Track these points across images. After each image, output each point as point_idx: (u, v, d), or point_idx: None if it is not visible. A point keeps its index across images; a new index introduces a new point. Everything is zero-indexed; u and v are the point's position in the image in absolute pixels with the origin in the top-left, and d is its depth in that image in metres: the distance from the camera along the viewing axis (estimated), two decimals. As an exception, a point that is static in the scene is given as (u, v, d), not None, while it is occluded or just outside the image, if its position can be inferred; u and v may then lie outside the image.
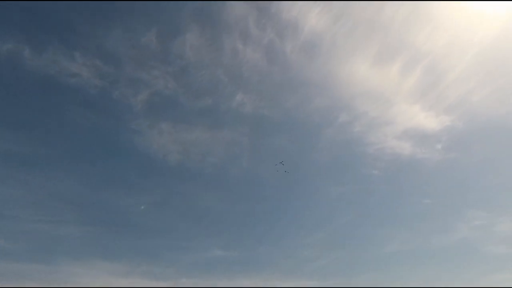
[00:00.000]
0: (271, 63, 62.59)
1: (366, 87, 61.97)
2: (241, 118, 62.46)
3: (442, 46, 60.70)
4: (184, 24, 58.09)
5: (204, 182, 60.93)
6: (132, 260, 50.24)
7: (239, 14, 58.20)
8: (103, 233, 52.93)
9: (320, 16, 60.06)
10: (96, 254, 50.04)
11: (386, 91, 62.08)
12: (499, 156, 59.18)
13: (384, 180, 60.99)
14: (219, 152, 61.68)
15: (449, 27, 59.11)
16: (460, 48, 60.12)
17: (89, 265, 47.80)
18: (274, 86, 63.12)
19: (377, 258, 54.82)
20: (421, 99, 60.93)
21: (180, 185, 59.58)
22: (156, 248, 52.15)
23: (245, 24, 59.05)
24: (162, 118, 60.89)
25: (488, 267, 50.00)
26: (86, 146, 56.96)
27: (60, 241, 49.64)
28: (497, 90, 59.54)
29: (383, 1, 58.54)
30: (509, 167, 58.65)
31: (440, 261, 52.52)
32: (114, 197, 56.62)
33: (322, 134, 63.22)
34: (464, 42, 59.27)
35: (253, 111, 62.51)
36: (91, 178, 56.03)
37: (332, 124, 63.19)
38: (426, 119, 60.75)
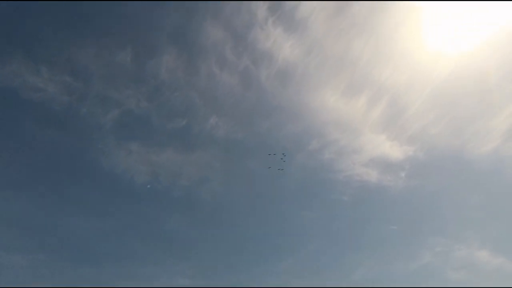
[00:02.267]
0: (246, 88, 64.02)
1: (336, 116, 64.90)
2: (214, 141, 62.24)
3: (403, 82, 65.85)
4: (161, 45, 58.48)
5: (172, 205, 58.73)
6: (88, 290, 45.99)
7: (217, 40, 59.83)
8: (55, 261, 48.43)
9: (293, 48, 63.39)
10: (45, 285, 45.28)
11: (354, 121, 65.35)
12: (454, 185, 63.40)
13: (353, 206, 62.42)
14: (190, 175, 60.31)
15: (409, 65, 64.62)
16: (418, 84, 65.51)
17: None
18: (247, 110, 64.16)
19: (344, 285, 54.61)
20: (386, 130, 64.67)
21: (147, 208, 56.86)
22: (116, 276, 48.27)
23: (222, 50, 60.63)
24: (131, 138, 59.07)
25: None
26: (45, 164, 53.30)
27: (2, 271, 44.66)
28: (451, 124, 64.96)
29: (351, 39, 63.54)
30: (463, 196, 62.90)
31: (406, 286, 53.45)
32: (72, 221, 52.61)
33: (293, 159, 64.21)
34: (422, 79, 64.78)
35: (226, 134, 62.67)
36: (46, 199, 51.95)
37: (303, 151, 64.66)
38: (391, 149, 64.21)
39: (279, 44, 62.16)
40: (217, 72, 61.10)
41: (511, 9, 57.85)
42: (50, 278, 45.80)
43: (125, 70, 56.92)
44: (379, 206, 63.22)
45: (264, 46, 61.78)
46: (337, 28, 63.25)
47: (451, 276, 53.89)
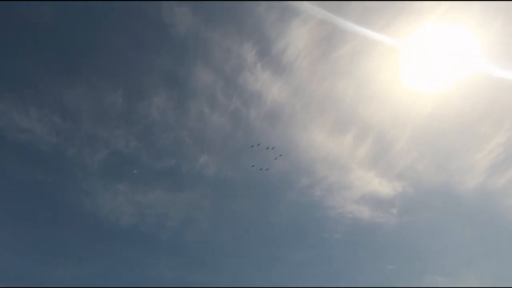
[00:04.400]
0: (235, 127, 64.96)
1: (324, 153, 65.86)
2: (203, 180, 61.40)
3: (387, 120, 68.45)
4: (153, 87, 59.87)
5: (158, 248, 55.89)
6: None
7: (207, 82, 61.84)
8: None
9: (281, 90, 66.00)
10: None
11: (342, 158, 66.31)
12: (445, 221, 63.33)
13: (346, 244, 60.97)
14: (177, 216, 58.38)
15: (391, 104, 67.64)
16: (401, 122, 68.14)
17: None
18: (237, 149, 64.44)
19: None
20: (374, 166, 65.63)
21: (131, 251, 53.85)
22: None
23: (212, 92, 62.42)
24: (119, 179, 57.74)
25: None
26: (26, 207, 50.91)
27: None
28: (435, 160, 66.67)
29: (335, 81, 66.92)
30: (455, 231, 62.53)
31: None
32: (49, 268, 49.07)
33: (283, 197, 63.54)
34: (404, 116, 67.55)
35: (215, 173, 62.14)
36: (26, 244, 48.86)
37: (293, 188, 64.28)
38: (381, 185, 64.62)
39: (268, 86, 64.81)
40: (207, 112, 62.43)
41: (483, 50, 62.79)
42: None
43: (116, 111, 57.52)
44: (374, 244, 62.05)
45: (253, 88, 64.22)
46: (321, 71, 66.93)
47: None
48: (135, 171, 58.65)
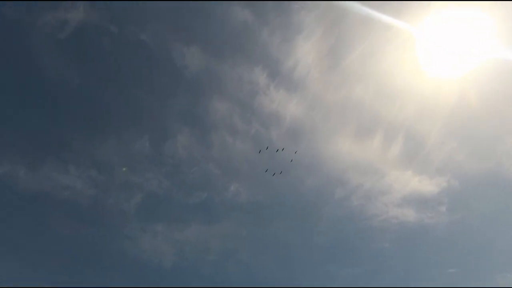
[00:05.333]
0: (264, 154, 65.19)
1: (354, 161, 63.72)
2: (237, 208, 61.34)
3: (414, 114, 65.57)
4: (175, 127, 62.55)
5: (201, 283, 55.36)
6: None
7: (225, 113, 63.60)
8: None
9: (297, 105, 66.15)
10: None
11: (374, 162, 63.68)
12: (501, 211, 57.37)
13: (398, 252, 56.82)
14: (217, 248, 58.07)
15: (415, 97, 65.01)
16: (430, 114, 64.94)
17: None
18: (262, 172, 64.14)
19: None
20: (410, 165, 62.19)
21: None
22: None
23: (231, 120, 63.91)
24: (156, 220, 59.26)
25: None
26: (73, 260, 53.18)
27: None
28: (478, 147, 61.97)
29: (351, 86, 66.06)
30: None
31: None
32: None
33: (320, 213, 61.41)
34: (431, 108, 64.41)
35: (248, 199, 61.92)
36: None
37: (329, 202, 62.10)
38: (422, 183, 60.72)
39: (284, 104, 65.31)
40: (230, 141, 63.61)
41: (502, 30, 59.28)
42: None
43: (145, 155, 60.31)
44: (427, 248, 57.34)
45: (270, 109, 64.97)
46: (335, 79, 66.58)
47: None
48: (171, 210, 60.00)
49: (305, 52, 64.79)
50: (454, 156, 61.14)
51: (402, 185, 60.65)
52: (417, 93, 64.68)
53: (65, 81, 54.92)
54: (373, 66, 65.02)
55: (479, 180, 59.18)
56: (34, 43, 53.08)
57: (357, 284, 54.08)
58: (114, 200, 57.82)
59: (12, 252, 48.77)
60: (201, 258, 57.25)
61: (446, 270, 54.14)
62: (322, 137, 65.09)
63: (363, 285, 53.94)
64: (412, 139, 63.62)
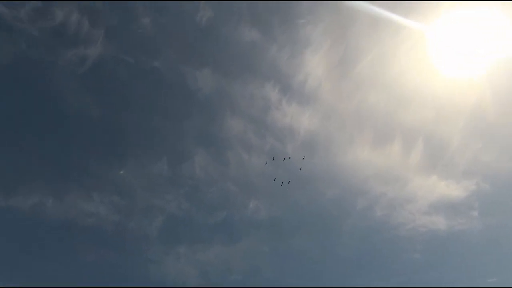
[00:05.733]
0: (276, 166, 64.92)
1: (374, 170, 62.06)
2: (257, 225, 60.67)
3: (432, 117, 63.68)
4: (191, 148, 63.66)
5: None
6: None
7: (239, 131, 64.24)
8: None
9: (311, 118, 65.88)
10: None
11: (395, 169, 61.75)
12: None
13: (430, 262, 53.70)
14: (240, 267, 57.22)
15: (432, 100, 63.32)
16: (449, 115, 62.78)
17: None
18: (284, 187, 63.56)
19: None
20: (434, 170, 59.82)
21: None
22: None
23: (245, 138, 64.39)
24: (178, 241, 59.43)
25: None
26: (98, 286, 53.71)
27: None
28: (506, 146, 58.90)
29: (364, 93, 65.36)
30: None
31: None
32: None
33: (343, 225, 59.58)
34: (451, 110, 62.32)
35: (268, 215, 61.19)
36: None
37: (351, 213, 60.26)
38: (449, 188, 58.03)
39: (297, 118, 65.23)
40: (245, 158, 63.80)
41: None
42: None
43: (164, 178, 61.42)
44: (462, 257, 53.97)
45: (284, 124, 65.02)
46: (347, 88, 66.19)
47: None
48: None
49: (315, 65, 65.22)
50: (480, 157, 58.47)
51: (427, 191, 58.26)
52: (434, 95, 63.11)
53: (86, 112, 57.79)
54: (386, 70, 64.35)
55: (507, 181, 55.97)
56: (57, 79, 56.50)
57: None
58: (136, 224, 58.79)
59: (39, 280, 50.09)
60: (224, 278, 56.55)
61: (485, 280, 50.56)
62: (338, 147, 64.25)
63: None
64: (433, 143, 61.63)
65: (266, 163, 48.64)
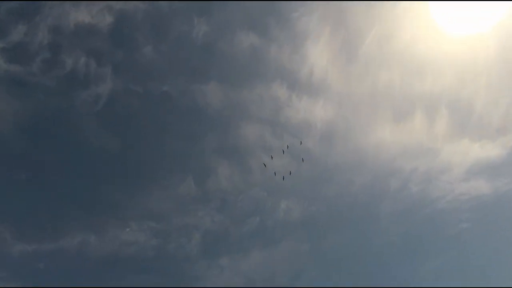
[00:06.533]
0: (299, 162, 64.20)
1: (400, 147, 59.89)
2: (292, 225, 59.92)
3: (451, 81, 60.89)
4: (213, 163, 64.33)
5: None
6: None
7: (255, 135, 64.31)
8: None
9: (324, 108, 64.86)
10: None
11: (423, 142, 59.32)
12: None
13: (480, 231, 50.51)
14: (284, 269, 56.56)
15: (448, 63, 60.65)
16: (469, 77, 59.83)
17: None
18: (311, 182, 62.76)
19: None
20: (464, 133, 56.91)
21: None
22: None
23: (263, 141, 64.31)
24: (218, 255, 59.66)
25: None
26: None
27: None
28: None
29: (375, 72, 63.73)
30: None
31: None
32: None
33: (379, 210, 57.52)
34: (470, 71, 59.38)
35: (301, 214, 60.34)
36: None
37: (385, 196, 58.12)
38: (484, 148, 54.89)
39: (310, 111, 64.48)
40: (268, 161, 63.53)
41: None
42: None
43: (192, 196, 62.31)
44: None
45: (298, 119, 64.42)
46: (355, 71, 64.90)
47: None
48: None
49: (318, 55, 64.63)
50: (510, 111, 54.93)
51: (461, 157, 55.33)
52: (448, 59, 60.60)
53: (108, 146, 60.02)
54: (392, 45, 62.68)
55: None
56: (77, 121, 59.35)
57: (439, 275, 48.64)
58: (175, 245, 59.84)
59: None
60: (270, 283, 56.02)
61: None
62: (359, 132, 62.70)
63: (447, 274, 48.35)
64: (457, 107, 58.86)
65: (265, 165, 47.91)
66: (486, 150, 54.28)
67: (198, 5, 59.86)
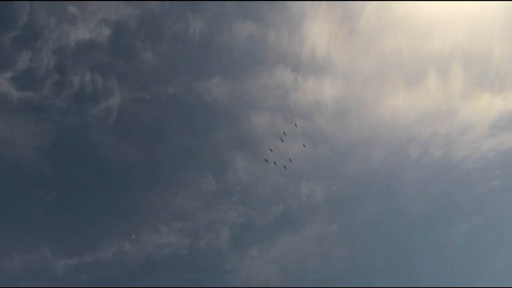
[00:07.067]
0: (314, 143, 63.72)
1: (416, 112, 58.07)
2: (316, 207, 59.91)
3: (462, 36, 57.95)
4: (229, 156, 64.81)
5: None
6: None
7: (266, 123, 63.97)
8: None
9: (332, 85, 63.66)
10: None
11: (440, 104, 57.17)
12: None
13: None
14: (314, 251, 56.83)
15: (454, 21, 57.72)
16: (480, 28, 56.70)
17: None
18: (328, 163, 62.21)
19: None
20: (483, 87, 54.46)
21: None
22: None
23: (275, 127, 63.94)
24: (248, 246, 60.66)
25: None
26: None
27: None
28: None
29: (380, 38, 61.56)
30: None
31: None
32: None
33: (402, 181, 56.29)
34: (480, 25, 56.24)
35: (323, 195, 60.13)
36: None
37: (407, 165, 56.78)
38: (506, 100, 52.21)
39: (318, 90, 63.49)
40: (282, 147, 63.34)
41: None
42: None
43: (214, 192, 63.16)
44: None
45: (307, 101, 63.68)
46: (359, 43, 63.01)
47: None
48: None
49: (318, 32, 63.14)
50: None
51: (483, 113, 52.97)
52: (455, 14, 57.59)
53: (126, 155, 61.64)
54: (393, 10, 60.25)
55: None
56: (93, 136, 60.82)
57: (470, 237, 47.33)
58: (205, 241, 61.17)
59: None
60: (303, 266, 56.59)
61: None
62: (371, 105, 61.19)
63: (479, 235, 46.98)
64: (472, 62, 56.22)
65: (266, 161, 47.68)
66: (510, 101, 51.70)
67: (190, 2, 59.63)
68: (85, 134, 60.53)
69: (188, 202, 63.39)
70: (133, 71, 61.06)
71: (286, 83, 63.05)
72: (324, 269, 55.08)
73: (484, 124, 52.33)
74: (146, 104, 61.85)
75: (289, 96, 63.63)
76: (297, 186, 61.99)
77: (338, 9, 62.15)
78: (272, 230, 60.62)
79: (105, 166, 62.26)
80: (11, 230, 53.82)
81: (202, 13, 59.69)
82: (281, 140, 47.02)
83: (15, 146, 54.60)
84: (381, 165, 58.79)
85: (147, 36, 59.47)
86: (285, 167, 46.90)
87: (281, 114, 63.88)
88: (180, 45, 61.65)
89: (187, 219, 62.87)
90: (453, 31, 57.88)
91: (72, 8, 56.80)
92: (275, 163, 45.88)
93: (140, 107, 61.95)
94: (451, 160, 53.05)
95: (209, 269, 59.41)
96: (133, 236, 58.52)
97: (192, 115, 64.27)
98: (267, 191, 62.41)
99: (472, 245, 47.40)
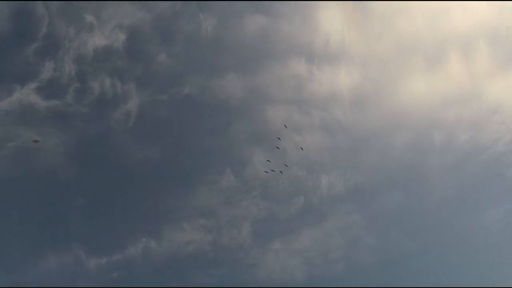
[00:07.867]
0: (332, 136, 62.53)
1: (439, 95, 55.68)
2: (338, 198, 58.96)
3: (487, 12, 54.75)
4: (247, 152, 64.79)
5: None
6: None
7: (282, 117, 63.16)
8: None
9: (349, 74, 62.02)
10: None
11: (464, 85, 54.37)
12: None
13: None
14: (339, 242, 56.09)
15: None
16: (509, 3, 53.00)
17: None
18: (348, 153, 60.94)
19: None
20: (510, 66, 50.82)
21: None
22: None
23: (291, 120, 63.26)
24: (270, 240, 60.76)
25: None
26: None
27: None
28: None
29: (393, 26, 59.25)
30: None
31: None
32: None
33: (428, 167, 54.09)
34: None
35: (345, 185, 59.00)
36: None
37: (431, 152, 54.42)
38: (535, 78, 48.74)
39: (334, 80, 62.14)
40: (299, 140, 62.73)
41: None
42: None
43: (234, 187, 63.59)
44: None
45: (323, 91, 62.43)
46: (374, 28, 61.10)
47: None
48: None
49: (331, 19, 61.77)
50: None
51: (509, 94, 49.71)
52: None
53: (147, 157, 63.22)
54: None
55: None
56: (115, 140, 63.05)
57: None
58: (228, 237, 61.93)
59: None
60: (327, 258, 56.09)
61: None
62: (390, 91, 59.14)
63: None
64: (498, 38, 53.06)
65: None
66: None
67: (200, 1, 60.01)
68: (108, 137, 62.78)
69: (209, 199, 64.33)
70: (149, 74, 62.51)
71: (300, 74, 62.30)
72: (348, 261, 54.42)
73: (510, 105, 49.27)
74: (164, 105, 63.18)
75: (305, 88, 62.82)
76: (317, 178, 61.32)
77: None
78: (293, 223, 60.48)
79: (128, 167, 64.23)
80: (46, 231, 57.06)
81: (212, 11, 59.98)
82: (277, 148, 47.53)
83: (47, 153, 57.55)
84: (404, 153, 56.94)
85: (161, 38, 60.67)
86: (281, 172, 47.18)
87: (297, 107, 63.25)
88: (193, 45, 62.36)
89: (209, 215, 63.85)
90: (477, 6, 54.66)
91: (88, 16, 58.93)
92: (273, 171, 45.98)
93: (158, 109, 63.36)
94: (480, 144, 50.44)
95: (233, 264, 60.26)
96: (144, 239, 60.34)
97: (208, 113, 64.98)
98: (287, 185, 62.19)
99: (503, 232, 44.98)
